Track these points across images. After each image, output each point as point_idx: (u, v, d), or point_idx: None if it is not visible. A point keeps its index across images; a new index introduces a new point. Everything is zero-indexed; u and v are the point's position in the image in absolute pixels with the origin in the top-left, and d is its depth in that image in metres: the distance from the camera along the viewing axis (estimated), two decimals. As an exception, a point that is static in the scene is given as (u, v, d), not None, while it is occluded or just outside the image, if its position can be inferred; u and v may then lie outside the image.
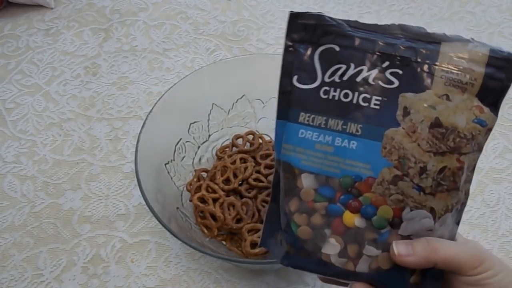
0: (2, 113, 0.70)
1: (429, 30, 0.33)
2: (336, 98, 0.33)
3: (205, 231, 0.54)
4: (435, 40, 0.33)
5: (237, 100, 0.62)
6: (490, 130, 0.32)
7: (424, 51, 0.32)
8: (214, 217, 0.54)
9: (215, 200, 0.54)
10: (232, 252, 0.53)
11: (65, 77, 0.74)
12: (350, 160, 0.33)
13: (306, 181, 0.33)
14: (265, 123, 0.63)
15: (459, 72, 0.32)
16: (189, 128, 0.59)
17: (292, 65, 0.34)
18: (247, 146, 0.61)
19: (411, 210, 0.32)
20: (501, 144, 0.64)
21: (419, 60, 0.32)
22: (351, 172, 0.32)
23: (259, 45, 0.77)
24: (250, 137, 0.62)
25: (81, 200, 0.60)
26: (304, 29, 0.34)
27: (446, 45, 0.32)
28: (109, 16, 0.83)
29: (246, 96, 0.62)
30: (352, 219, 0.33)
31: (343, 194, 0.33)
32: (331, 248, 0.33)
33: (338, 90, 0.33)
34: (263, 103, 0.62)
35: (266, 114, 0.62)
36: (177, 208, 0.54)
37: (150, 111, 0.54)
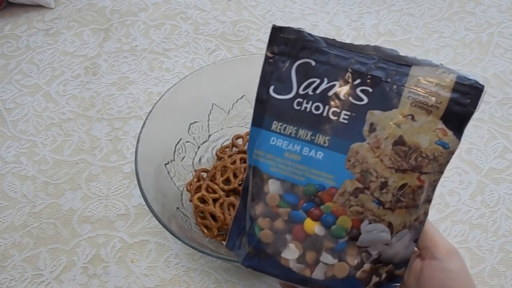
0: (2, 113, 0.70)
1: (401, 53, 0.35)
2: (308, 110, 0.35)
3: (205, 231, 0.54)
4: (406, 63, 0.34)
5: (237, 100, 0.62)
6: (452, 153, 0.34)
7: (394, 72, 0.34)
8: (214, 217, 0.54)
9: (215, 200, 0.54)
10: (232, 252, 0.53)
11: (65, 77, 0.74)
12: (315, 170, 0.34)
13: (273, 187, 0.35)
14: (265, 123, 0.63)
15: (425, 95, 0.33)
16: (189, 128, 0.59)
17: (270, 75, 0.36)
18: (247, 146, 0.61)
19: (370, 223, 0.33)
20: (501, 144, 0.64)
21: (388, 80, 0.34)
22: (315, 181, 0.34)
23: (259, 45, 0.77)
24: (250, 137, 0.62)
25: (81, 200, 0.60)
26: (285, 43, 0.36)
27: (416, 69, 0.34)
28: (109, 16, 0.83)
29: (246, 96, 0.62)
30: (313, 227, 0.34)
31: (306, 201, 0.34)
32: (291, 253, 0.34)
33: (311, 102, 0.35)
34: (263, 103, 0.62)
35: (266, 114, 0.62)
36: (177, 208, 0.54)
37: (150, 111, 0.54)
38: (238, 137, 0.61)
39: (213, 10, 0.83)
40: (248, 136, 0.61)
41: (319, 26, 0.79)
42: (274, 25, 0.37)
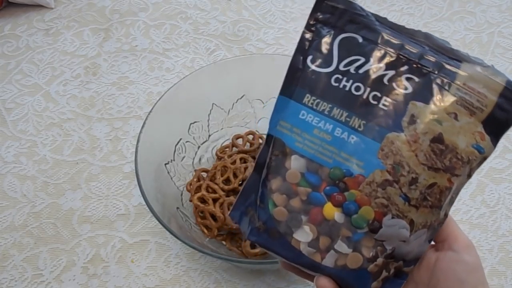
0: (2, 113, 0.70)
1: (452, 47, 0.33)
2: (347, 88, 0.33)
3: (205, 231, 0.54)
4: (457, 58, 0.32)
5: (237, 100, 0.62)
6: (485, 158, 0.32)
7: (444, 65, 0.32)
8: (214, 217, 0.54)
9: (215, 200, 0.54)
10: (232, 252, 0.53)
11: (65, 77, 0.74)
12: (345, 153, 0.32)
13: (295, 163, 0.33)
14: (265, 123, 0.62)
15: (472, 95, 0.31)
16: (189, 128, 0.59)
17: (309, 44, 0.34)
18: (247, 146, 0.61)
19: (392, 218, 0.32)
20: (501, 144, 0.64)
21: (437, 72, 0.32)
22: (343, 165, 0.32)
23: (259, 45, 0.77)
24: (250, 137, 0.62)
25: (81, 200, 0.60)
26: (331, 12, 0.33)
27: (467, 66, 0.32)
28: (109, 16, 0.83)
29: (246, 96, 0.62)
30: (332, 212, 0.32)
31: (330, 185, 0.32)
32: (304, 235, 0.33)
33: (351, 81, 0.33)
34: (263, 103, 0.62)
35: (266, 114, 0.62)
36: (177, 208, 0.54)
37: (150, 111, 0.54)
38: (238, 137, 0.61)
39: (213, 10, 0.83)
40: (248, 136, 0.61)
41: (319, 26, 0.79)
42: None
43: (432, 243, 0.34)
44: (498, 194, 0.60)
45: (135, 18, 0.82)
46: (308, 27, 0.34)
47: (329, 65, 0.33)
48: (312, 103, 0.33)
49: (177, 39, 0.78)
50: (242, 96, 0.61)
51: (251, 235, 0.34)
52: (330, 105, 0.33)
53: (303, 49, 0.34)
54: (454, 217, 0.58)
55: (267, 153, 0.34)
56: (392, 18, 0.80)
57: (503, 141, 0.64)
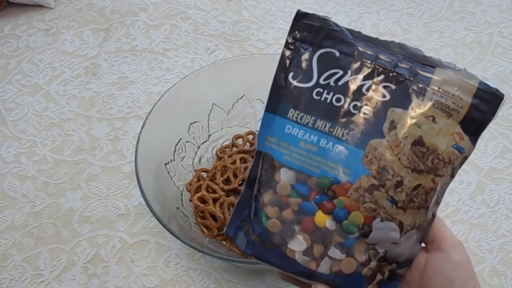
0: (2, 113, 0.70)
1: (426, 54, 0.35)
2: (328, 101, 0.34)
3: (205, 231, 0.54)
4: (430, 64, 0.34)
5: (237, 100, 0.62)
6: (466, 158, 0.34)
7: (419, 72, 0.34)
8: (214, 217, 0.54)
9: (215, 200, 0.54)
10: (232, 252, 0.53)
11: (65, 77, 0.74)
12: (331, 162, 0.33)
13: (285, 176, 0.34)
14: (265, 123, 0.63)
15: (448, 98, 0.33)
16: (189, 128, 0.59)
17: (290, 61, 0.35)
18: (247, 146, 0.61)
19: (382, 221, 0.33)
20: (501, 144, 0.64)
21: (412, 79, 0.33)
22: (330, 174, 0.33)
23: (259, 45, 0.77)
24: (250, 137, 0.62)
25: (81, 200, 0.60)
26: (308, 30, 0.35)
27: (440, 71, 0.34)
28: (109, 16, 0.83)
29: (246, 96, 0.62)
30: (324, 220, 0.33)
31: (319, 194, 0.33)
32: (298, 244, 0.34)
33: (332, 93, 0.34)
34: (263, 103, 0.62)
35: (266, 114, 0.62)
36: (177, 208, 0.54)
37: (150, 111, 0.54)
38: (238, 137, 0.61)
39: (213, 10, 0.83)
40: (248, 136, 0.61)
41: (319, 26, 0.79)
42: (299, 10, 0.36)
43: (422, 245, 0.35)
44: (498, 194, 0.59)
45: (135, 18, 0.82)
46: (287, 45, 0.36)
47: (309, 80, 0.35)
48: (296, 117, 0.34)
49: (177, 39, 0.78)
50: (242, 96, 0.61)
51: (247, 249, 0.35)
52: (313, 118, 0.34)
53: (284, 67, 0.36)
54: (454, 217, 0.59)
55: (257, 168, 0.35)
56: (392, 18, 0.80)
57: (503, 141, 0.64)
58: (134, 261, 0.55)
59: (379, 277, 0.34)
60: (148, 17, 0.82)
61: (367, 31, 0.78)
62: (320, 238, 0.33)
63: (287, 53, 0.35)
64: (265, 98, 0.61)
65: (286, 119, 0.35)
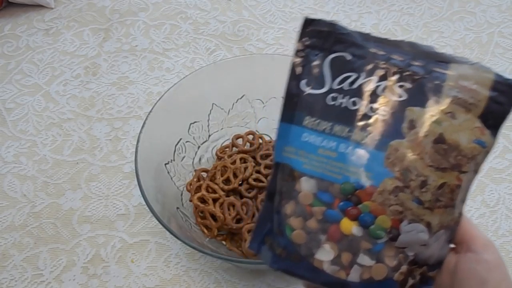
0: (2, 113, 0.70)
1: (438, 50, 0.34)
2: (343, 105, 0.33)
3: (205, 231, 0.54)
4: (444, 60, 0.33)
5: (237, 100, 0.62)
6: (488, 152, 0.33)
7: (433, 69, 0.33)
8: (214, 217, 0.54)
9: (215, 200, 0.54)
10: (232, 252, 0.53)
11: (65, 77, 0.74)
12: (352, 167, 0.33)
13: (306, 185, 0.33)
14: (265, 123, 0.63)
15: (465, 92, 0.32)
16: (189, 128, 0.59)
17: (301, 69, 0.35)
18: (247, 146, 0.61)
19: (409, 223, 0.32)
20: (501, 144, 0.64)
21: (428, 76, 0.33)
22: (353, 179, 0.32)
23: (259, 45, 0.77)
24: (250, 137, 0.62)
25: (81, 200, 0.60)
26: (317, 36, 0.35)
27: (455, 66, 0.33)
28: (109, 16, 0.83)
29: (246, 96, 0.62)
30: (350, 227, 0.32)
31: (342, 200, 0.33)
32: (325, 254, 0.33)
33: (347, 97, 0.33)
34: (263, 103, 0.62)
35: (266, 114, 0.62)
36: (177, 208, 0.54)
37: (150, 111, 0.54)
38: (238, 137, 0.61)
39: (213, 10, 0.83)
40: (248, 136, 0.61)
41: (319, 26, 0.79)
42: (306, 17, 0.35)
43: (452, 245, 0.34)
44: (498, 194, 0.60)
45: (135, 18, 0.82)
46: (297, 53, 0.35)
47: (322, 86, 0.34)
48: (312, 125, 0.34)
49: (177, 39, 0.78)
50: (242, 96, 0.61)
51: (273, 263, 0.34)
52: (330, 124, 0.33)
53: (296, 75, 0.35)
54: (454, 217, 0.58)
55: (276, 181, 0.35)
56: (392, 18, 0.80)
57: (503, 141, 0.64)
58: (134, 261, 0.55)
59: (410, 281, 0.33)
60: (148, 17, 0.82)
61: (367, 31, 0.77)
62: (347, 246, 0.32)
63: (298, 60, 0.35)
64: (265, 98, 0.62)
65: (302, 127, 0.34)
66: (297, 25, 0.79)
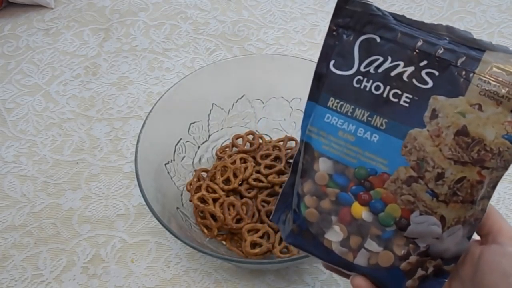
0: (2, 113, 0.70)
1: (475, 37, 0.32)
2: (368, 89, 0.33)
3: (205, 231, 0.54)
4: (479, 47, 0.32)
5: (237, 100, 0.62)
6: None
7: (465, 56, 0.32)
8: (214, 217, 0.54)
9: (215, 200, 0.54)
10: (232, 252, 0.53)
11: (65, 77, 0.74)
12: (368, 153, 0.33)
13: (323, 166, 0.34)
14: (265, 123, 0.63)
15: (497, 84, 0.31)
16: (189, 128, 0.59)
17: (332, 49, 0.34)
18: (247, 146, 0.61)
19: (421, 214, 0.32)
20: (501, 144, 0.64)
21: (458, 64, 0.31)
22: (367, 165, 0.32)
23: (259, 45, 0.77)
24: (250, 137, 0.62)
25: (81, 200, 0.60)
26: (350, 16, 0.34)
27: (490, 54, 0.31)
28: (109, 16, 0.83)
29: (246, 96, 0.62)
30: (360, 211, 0.33)
31: (356, 184, 0.33)
32: (335, 235, 0.33)
33: (371, 81, 0.33)
34: (263, 103, 0.62)
35: (266, 114, 0.62)
36: (177, 208, 0.54)
37: (150, 111, 0.54)
38: (238, 137, 0.62)
39: (213, 10, 0.83)
40: (248, 136, 0.61)
41: (319, 26, 0.79)
42: None
43: (478, 238, 0.33)
44: (498, 194, 0.59)
45: (135, 18, 0.82)
46: (330, 33, 0.35)
47: (350, 68, 0.34)
48: (336, 106, 0.34)
49: (177, 39, 0.78)
50: (242, 96, 0.61)
51: (287, 238, 0.35)
52: (352, 106, 0.33)
53: (326, 55, 0.35)
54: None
55: (299, 157, 0.35)
56: (392, 18, 0.80)
57: (503, 141, 0.64)
58: (134, 261, 0.55)
59: (420, 272, 0.32)
60: (148, 17, 0.82)
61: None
62: (356, 230, 0.33)
63: (330, 41, 0.34)
64: (265, 98, 0.62)
65: (326, 107, 0.34)
66: (297, 25, 0.79)
